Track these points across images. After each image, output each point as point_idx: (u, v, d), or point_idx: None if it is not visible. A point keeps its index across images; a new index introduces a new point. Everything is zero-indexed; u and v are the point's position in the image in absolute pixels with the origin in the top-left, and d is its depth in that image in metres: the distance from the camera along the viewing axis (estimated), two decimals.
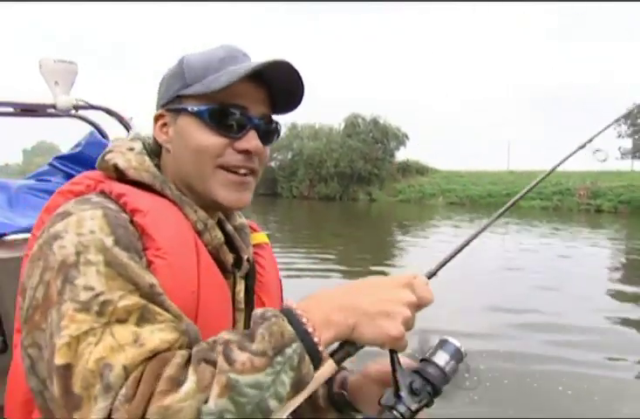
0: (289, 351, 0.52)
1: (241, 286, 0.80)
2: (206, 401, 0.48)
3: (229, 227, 0.83)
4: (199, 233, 0.72)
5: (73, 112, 1.60)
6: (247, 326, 0.78)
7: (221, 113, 0.72)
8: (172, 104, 0.75)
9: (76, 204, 0.65)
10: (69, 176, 1.62)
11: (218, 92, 0.70)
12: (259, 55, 0.77)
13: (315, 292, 0.62)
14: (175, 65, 0.77)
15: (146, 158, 0.76)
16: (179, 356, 0.53)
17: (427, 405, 0.62)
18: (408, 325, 0.59)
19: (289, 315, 0.56)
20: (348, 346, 0.59)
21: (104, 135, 1.71)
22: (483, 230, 0.79)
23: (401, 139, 39.82)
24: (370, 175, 37.96)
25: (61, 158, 1.64)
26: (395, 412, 0.59)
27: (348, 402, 0.80)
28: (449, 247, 0.72)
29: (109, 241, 0.59)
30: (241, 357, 0.51)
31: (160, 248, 0.64)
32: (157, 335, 0.55)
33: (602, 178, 31.90)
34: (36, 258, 0.61)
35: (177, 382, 0.50)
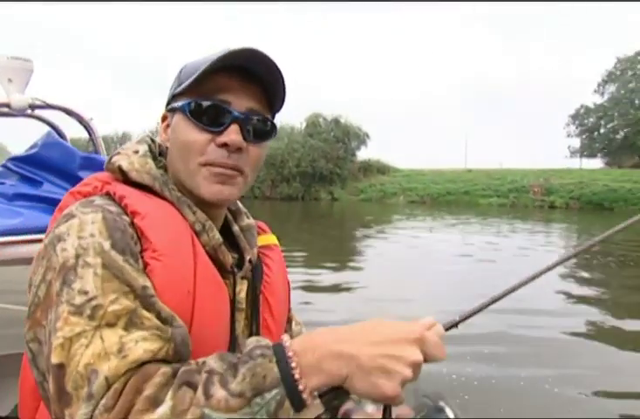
0: (268, 396, 0.51)
1: (242, 286, 0.80)
2: None
3: (235, 228, 0.85)
4: (197, 233, 0.73)
5: (29, 111, 1.54)
6: (248, 326, 0.80)
7: (200, 107, 0.72)
8: (169, 104, 0.78)
9: (80, 206, 0.68)
10: (24, 178, 1.55)
11: (201, 87, 0.72)
12: None
13: (316, 331, 0.58)
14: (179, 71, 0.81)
15: (149, 160, 0.77)
16: (161, 375, 0.54)
17: None
18: (406, 382, 0.55)
19: (279, 355, 0.54)
20: (338, 390, 0.55)
21: (62, 136, 1.65)
22: (532, 280, 0.70)
23: (362, 138, 40.24)
24: (331, 175, 38.13)
25: (16, 159, 1.57)
26: None
27: None
28: (482, 297, 0.64)
29: (107, 244, 0.62)
30: (218, 393, 0.51)
31: (157, 250, 0.66)
32: (141, 345, 0.57)
33: (554, 175, 33.32)
34: (41, 257, 0.65)
35: (155, 402, 0.51)
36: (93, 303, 0.58)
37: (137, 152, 0.78)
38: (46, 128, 1.66)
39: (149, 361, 0.57)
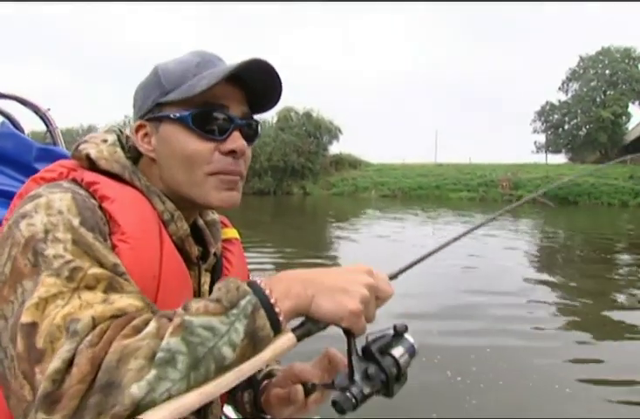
0: (242, 302, 0.54)
1: (206, 279, 0.82)
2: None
3: (201, 222, 0.85)
4: (165, 223, 0.74)
5: None
6: None
7: (205, 117, 0.72)
8: (152, 113, 0.75)
9: (46, 188, 0.66)
10: None
11: (199, 95, 0.71)
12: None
13: (282, 271, 0.63)
14: (150, 75, 0.77)
15: (118, 149, 0.77)
16: (145, 315, 0.55)
17: (379, 392, 0.63)
18: (366, 307, 0.60)
19: (250, 282, 0.58)
20: (309, 323, 0.59)
21: (17, 127, 1.60)
22: (453, 241, 0.80)
23: (334, 132, 40.23)
24: (303, 169, 38.07)
25: None
26: (348, 393, 0.60)
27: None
28: (414, 254, 0.72)
29: (76, 221, 0.62)
30: (196, 304, 0.54)
31: (125, 232, 0.66)
32: (126, 300, 0.57)
33: (521, 170, 34.13)
34: (5, 237, 0.62)
35: (139, 330, 0.52)
36: (72, 265, 0.57)
37: (105, 141, 0.77)
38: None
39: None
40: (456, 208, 23.14)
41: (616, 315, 5.21)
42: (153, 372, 0.48)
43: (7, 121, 1.57)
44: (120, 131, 0.83)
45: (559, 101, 45.42)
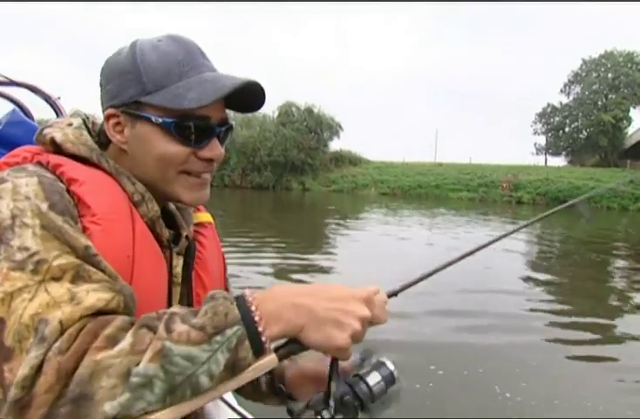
0: (229, 332, 0.53)
1: (178, 261, 0.81)
2: (138, 364, 0.50)
3: (172, 206, 0.85)
4: (135, 204, 0.73)
5: None
6: (183, 300, 0.81)
7: (186, 126, 0.72)
8: (128, 107, 0.73)
9: (11, 172, 0.65)
10: None
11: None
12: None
13: (275, 286, 0.62)
14: (127, 60, 0.73)
15: (84, 132, 0.76)
16: (119, 319, 0.54)
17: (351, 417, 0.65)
18: (356, 338, 0.59)
19: (240, 301, 0.57)
20: (293, 344, 0.59)
21: (27, 114, 1.59)
22: (460, 259, 0.78)
23: (335, 129, 40.14)
24: (303, 165, 37.93)
25: None
26: (319, 417, 0.62)
27: (287, 394, 0.84)
28: (419, 270, 0.71)
29: (44, 206, 0.61)
30: (179, 328, 0.52)
31: (95, 214, 0.65)
32: (92, 294, 0.56)
33: (522, 172, 34.10)
34: None
35: (114, 341, 0.51)
36: (36, 258, 0.56)
37: (71, 124, 0.77)
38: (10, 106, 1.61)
39: (103, 311, 0.56)
40: (460, 208, 23.12)
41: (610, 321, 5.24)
42: (126, 394, 0.49)
43: (17, 109, 1.57)
44: (86, 116, 0.82)
45: (560, 104, 45.39)
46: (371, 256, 8.54)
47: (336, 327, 0.57)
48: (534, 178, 32.55)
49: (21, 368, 0.49)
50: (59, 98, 1.64)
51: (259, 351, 0.55)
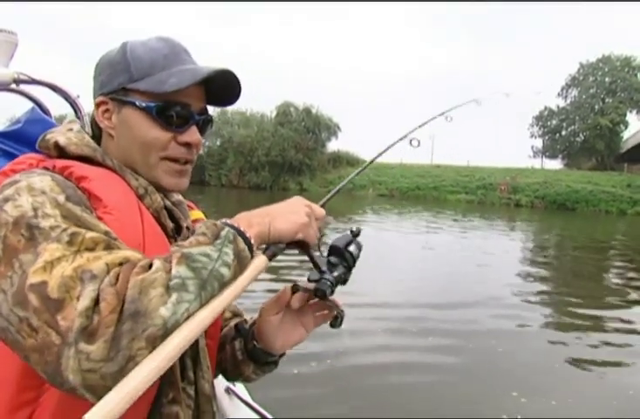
0: (223, 233, 0.64)
1: None
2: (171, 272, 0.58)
3: (168, 202, 0.89)
4: (140, 197, 0.78)
5: (13, 86, 1.47)
6: None
7: (168, 110, 0.79)
8: (116, 94, 0.80)
9: (23, 174, 0.69)
10: (7, 154, 1.49)
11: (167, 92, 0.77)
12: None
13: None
14: (118, 54, 0.81)
15: (86, 135, 0.81)
16: (147, 259, 0.62)
17: (345, 273, 0.78)
18: (311, 221, 0.74)
19: (220, 221, 0.68)
20: (272, 246, 0.72)
21: (46, 112, 1.57)
22: (363, 169, 1.06)
23: (333, 129, 40.19)
24: (301, 165, 38.00)
25: None
26: (324, 280, 0.75)
27: (261, 350, 0.89)
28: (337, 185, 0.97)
29: (61, 198, 0.65)
30: (188, 241, 0.64)
31: (107, 205, 0.70)
32: (127, 251, 0.63)
33: (520, 174, 34.21)
34: None
35: (148, 268, 0.59)
36: (69, 231, 0.61)
37: (71, 129, 0.82)
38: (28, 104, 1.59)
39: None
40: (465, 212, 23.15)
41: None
42: (174, 295, 0.56)
43: (36, 107, 1.55)
44: (81, 125, 0.86)
45: (557, 107, 45.62)
46: (371, 256, 8.52)
47: (292, 213, 0.73)
48: (532, 181, 32.73)
49: (81, 301, 0.55)
50: (78, 96, 1.62)
51: (250, 246, 0.66)
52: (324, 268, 0.77)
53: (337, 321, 0.84)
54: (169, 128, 0.79)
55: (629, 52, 42.67)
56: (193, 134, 0.82)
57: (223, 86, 0.83)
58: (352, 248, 0.81)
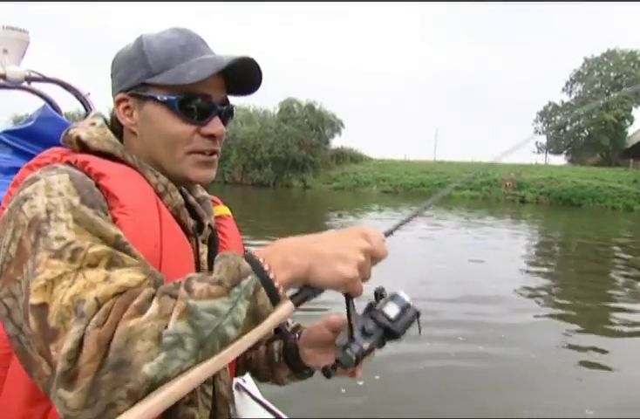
0: (244, 282, 0.56)
1: (203, 249, 0.85)
2: (167, 327, 0.53)
3: (191, 198, 0.88)
4: (160, 195, 0.77)
5: (25, 84, 1.48)
6: None
7: (189, 103, 0.77)
8: (136, 89, 0.78)
9: (43, 171, 0.69)
10: (19, 152, 1.50)
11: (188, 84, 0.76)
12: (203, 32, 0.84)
13: (277, 240, 0.64)
14: (134, 49, 0.79)
15: (107, 130, 0.80)
16: (146, 291, 0.57)
17: (379, 346, 0.67)
18: (362, 270, 0.61)
19: (247, 256, 0.59)
20: (307, 289, 0.61)
21: (57, 110, 1.58)
22: (434, 201, 0.83)
23: (336, 126, 40.07)
24: (304, 162, 37.91)
25: (10, 132, 1.50)
26: (348, 351, 0.64)
27: (299, 358, 0.88)
28: (406, 213, 0.73)
29: (76, 200, 0.64)
30: (199, 286, 0.55)
31: (124, 205, 0.69)
32: (125, 275, 0.60)
33: (525, 170, 34.05)
34: (6, 220, 0.64)
35: (142, 310, 0.55)
36: (72, 246, 0.59)
37: (94, 124, 0.81)
38: (40, 102, 1.60)
39: (135, 289, 0.59)
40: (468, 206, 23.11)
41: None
42: (162, 354, 0.52)
43: (47, 105, 1.56)
44: (105, 120, 0.85)
45: (562, 102, 45.38)
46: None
47: (340, 261, 0.60)
48: (537, 177, 32.60)
49: (65, 343, 0.53)
50: (89, 94, 1.63)
51: (275, 297, 0.58)
52: (357, 334, 0.66)
53: (328, 372, 0.77)
54: (192, 121, 0.78)
55: (634, 47, 42.36)
56: (216, 126, 0.80)
57: (243, 75, 0.81)
58: (390, 309, 0.68)
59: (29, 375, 0.58)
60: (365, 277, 0.62)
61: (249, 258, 0.59)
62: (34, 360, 0.56)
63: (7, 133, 1.52)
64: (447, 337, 4.29)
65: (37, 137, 1.50)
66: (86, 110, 1.65)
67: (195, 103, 0.77)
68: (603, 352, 4.22)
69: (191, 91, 0.76)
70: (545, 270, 8.30)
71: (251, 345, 0.57)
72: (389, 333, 0.67)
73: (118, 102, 0.80)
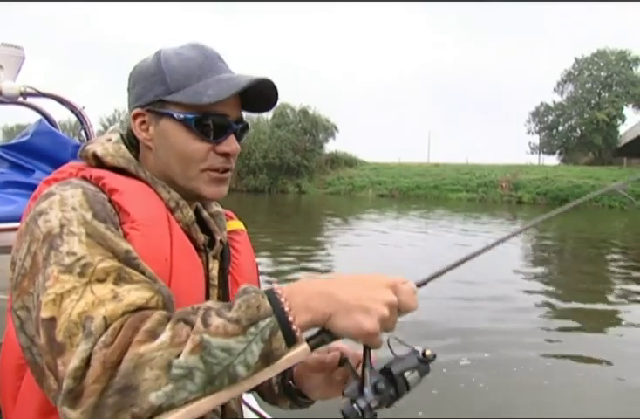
0: (262, 324, 0.55)
1: (214, 265, 0.85)
2: (178, 356, 0.53)
3: (205, 213, 0.90)
4: (171, 210, 0.78)
5: (20, 99, 1.51)
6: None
7: (206, 121, 0.78)
8: (153, 106, 0.79)
9: (59, 186, 0.71)
10: (15, 166, 1.52)
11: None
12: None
13: (302, 278, 0.65)
14: (152, 65, 0.80)
15: (122, 146, 0.82)
16: (158, 314, 0.58)
17: (387, 405, 0.65)
18: (385, 324, 0.60)
19: (270, 294, 0.59)
20: (324, 333, 0.60)
21: (53, 124, 1.61)
22: (487, 249, 0.75)
23: (330, 130, 40.16)
24: (299, 167, 37.98)
25: (6, 147, 1.52)
26: (355, 406, 0.62)
27: (297, 390, 0.87)
28: (447, 260, 0.69)
29: (89, 215, 0.66)
30: (216, 321, 0.55)
31: (135, 220, 0.70)
32: (134, 293, 0.60)
33: (520, 171, 34.08)
34: (23, 233, 0.67)
35: (153, 335, 0.54)
36: (82, 262, 0.61)
37: (110, 140, 0.82)
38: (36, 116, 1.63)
39: (144, 308, 0.59)
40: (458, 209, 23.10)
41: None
42: (170, 385, 0.52)
43: (44, 119, 1.59)
44: (121, 135, 0.86)
45: (554, 102, 45.67)
46: (373, 258, 8.55)
47: (363, 313, 0.58)
48: (533, 177, 32.66)
49: (72, 361, 0.54)
50: (84, 107, 1.66)
51: (291, 340, 0.57)
52: (367, 390, 0.63)
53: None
54: (208, 139, 0.78)
55: (623, 46, 42.80)
56: (231, 144, 0.80)
57: (259, 94, 0.82)
58: (411, 376, 0.66)
59: (40, 387, 0.60)
60: (388, 330, 0.61)
61: (271, 295, 0.58)
62: (44, 372, 0.58)
63: (3, 147, 1.55)
64: (445, 337, 4.31)
65: (33, 151, 1.53)
66: (82, 123, 1.68)
67: (212, 122, 0.78)
68: (601, 352, 4.23)
69: (208, 110, 0.77)
70: (542, 270, 8.33)
71: (264, 381, 0.57)
72: (399, 394, 0.66)
73: (134, 117, 0.81)
